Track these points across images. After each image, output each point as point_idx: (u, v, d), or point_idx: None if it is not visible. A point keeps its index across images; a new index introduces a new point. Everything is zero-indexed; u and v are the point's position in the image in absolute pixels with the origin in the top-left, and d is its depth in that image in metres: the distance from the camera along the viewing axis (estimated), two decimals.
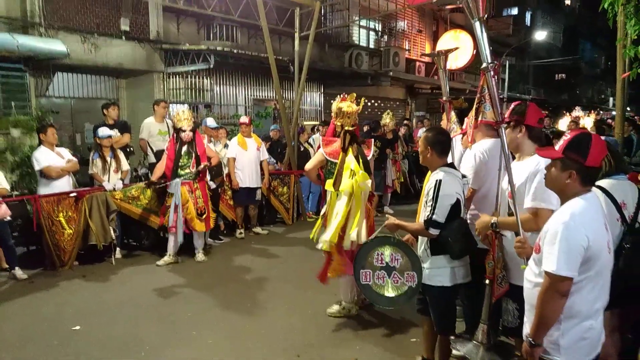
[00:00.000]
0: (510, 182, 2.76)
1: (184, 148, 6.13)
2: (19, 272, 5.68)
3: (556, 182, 2.20)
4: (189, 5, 9.99)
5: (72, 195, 6.06)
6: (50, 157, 6.04)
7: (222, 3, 10.58)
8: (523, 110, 2.91)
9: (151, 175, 7.33)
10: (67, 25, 8.99)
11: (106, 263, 6.24)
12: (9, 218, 5.69)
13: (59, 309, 4.79)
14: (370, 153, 4.54)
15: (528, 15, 29.90)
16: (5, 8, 8.34)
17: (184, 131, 6.07)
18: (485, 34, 2.78)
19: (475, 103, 3.27)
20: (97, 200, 6.14)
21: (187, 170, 6.13)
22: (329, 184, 4.36)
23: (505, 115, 2.90)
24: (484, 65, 2.81)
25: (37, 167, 5.99)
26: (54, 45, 8.32)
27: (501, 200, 3.05)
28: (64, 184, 6.13)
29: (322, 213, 4.57)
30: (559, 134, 5.70)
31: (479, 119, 3.39)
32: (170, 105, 9.86)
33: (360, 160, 4.33)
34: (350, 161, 4.29)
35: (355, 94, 4.53)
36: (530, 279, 2.27)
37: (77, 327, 4.35)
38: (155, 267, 6.16)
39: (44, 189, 6.02)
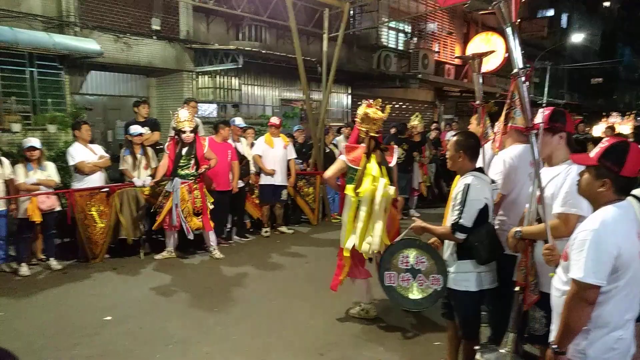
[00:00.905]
0: (540, 187, 2.71)
1: (185, 149, 6.16)
2: (53, 262, 5.90)
3: (589, 190, 2.16)
4: (219, 6, 10.12)
5: (103, 190, 6.23)
6: (83, 153, 6.22)
7: (252, 3, 10.69)
8: (565, 117, 2.89)
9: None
10: (101, 25, 9.23)
11: (135, 257, 6.38)
12: (58, 208, 5.92)
13: (91, 300, 4.93)
14: (394, 159, 4.47)
15: (564, 17, 29.16)
16: (42, 8, 8.61)
17: (184, 132, 6.09)
18: (517, 39, 2.75)
19: (505, 108, 3.22)
20: (128, 195, 6.28)
21: (187, 172, 6.15)
22: (349, 189, 4.28)
23: (543, 121, 2.85)
24: (515, 70, 2.78)
25: (71, 162, 6.17)
26: (89, 44, 8.55)
27: (530, 206, 3.00)
28: (97, 179, 6.30)
29: (342, 219, 4.46)
30: (595, 140, 5.55)
31: (509, 124, 3.34)
32: (199, 104, 10.01)
33: (383, 167, 4.29)
34: (372, 167, 4.21)
35: (381, 100, 4.48)
36: (558, 287, 2.23)
37: (108, 318, 4.47)
38: (183, 262, 6.27)
39: (77, 184, 6.20)
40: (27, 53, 7.91)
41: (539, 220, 2.79)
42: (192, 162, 6.17)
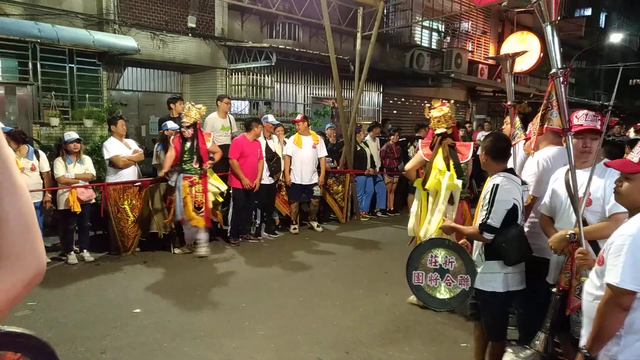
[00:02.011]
0: (575, 190, 2.68)
1: (187, 144, 6.17)
2: (87, 254, 6.06)
3: (631, 196, 2.10)
4: (254, 4, 10.20)
5: (136, 184, 6.36)
6: (118, 147, 6.36)
7: (286, 2, 10.73)
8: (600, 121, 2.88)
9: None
10: (139, 22, 9.43)
11: (166, 251, 6.50)
12: (94, 201, 6.11)
13: (122, 292, 5.04)
14: (469, 155, 4.59)
15: (602, 17, 28.30)
16: (83, 5, 8.86)
17: (182, 126, 6.14)
18: (557, 39, 2.69)
19: (541, 109, 3.16)
20: (160, 190, 6.40)
21: (190, 166, 6.16)
22: (417, 182, 4.64)
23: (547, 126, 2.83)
24: (553, 70, 2.73)
25: (106, 156, 6.32)
26: (126, 41, 8.75)
27: (567, 210, 2.94)
28: (130, 174, 6.44)
29: (412, 210, 4.82)
30: (631, 142, 5.37)
31: (545, 125, 3.28)
32: (232, 101, 10.12)
33: (451, 162, 4.43)
34: (439, 162, 4.45)
35: (439, 100, 4.71)
36: (591, 292, 2.20)
37: (138, 310, 4.56)
38: (212, 258, 6.34)
39: (111, 178, 6.35)
40: (67, 49, 8.15)
41: (584, 222, 2.76)
42: (195, 157, 6.17)
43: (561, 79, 2.73)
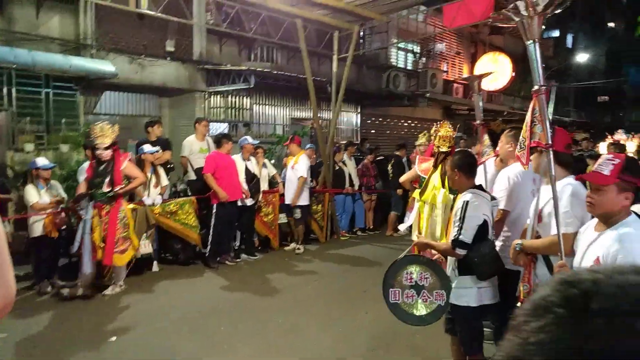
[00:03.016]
0: (556, 208, 2.69)
1: (101, 167, 5.55)
2: (58, 282, 5.87)
3: (603, 207, 2.20)
4: (232, 29, 10.33)
5: None
6: None
7: (263, 26, 10.89)
8: (552, 135, 2.87)
9: (189, 191, 7.58)
10: (117, 47, 9.45)
11: (143, 275, 6.42)
12: (63, 227, 6.00)
13: (96, 320, 4.93)
14: None
15: (569, 38, 29.38)
16: (60, 31, 8.85)
17: (99, 149, 5.47)
18: (539, 56, 2.74)
19: (527, 124, 3.17)
20: (138, 214, 6.35)
21: (101, 191, 5.52)
22: (415, 193, 4.94)
23: (534, 141, 2.87)
24: (536, 87, 2.77)
25: (80, 180, 6.25)
26: (104, 66, 8.75)
27: (533, 222, 3.03)
28: None
29: (409, 223, 5.14)
30: (595, 157, 5.55)
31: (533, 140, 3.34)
32: (211, 123, 10.16)
33: (446, 180, 4.56)
34: (435, 178, 4.63)
35: (448, 123, 4.98)
36: None
37: (114, 339, 4.47)
38: (191, 281, 6.29)
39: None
40: (43, 75, 8.11)
41: (539, 236, 2.84)
42: (107, 179, 5.52)
43: (543, 95, 2.78)
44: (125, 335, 4.54)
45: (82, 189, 5.56)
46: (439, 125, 4.99)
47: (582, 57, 24.98)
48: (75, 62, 8.30)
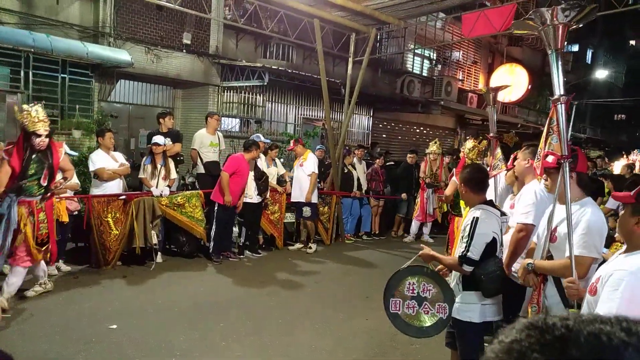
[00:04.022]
0: (569, 225, 2.64)
1: (34, 156, 4.66)
2: (62, 264, 6.01)
3: (624, 226, 2.17)
4: (249, 25, 10.35)
5: (121, 197, 6.34)
6: (104, 159, 6.35)
7: (281, 24, 10.89)
8: (575, 156, 2.82)
9: (197, 184, 7.60)
10: (134, 37, 9.51)
11: (147, 266, 6.44)
12: (75, 213, 6.04)
13: (99, 306, 4.97)
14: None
15: (589, 53, 29.10)
16: (80, 17, 8.92)
17: (39, 136, 4.57)
18: (560, 66, 2.70)
19: (544, 135, 3.08)
20: (144, 204, 6.38)
21: (32, 186, 4.66)
22: (462, 202, 5.34)
23: (553, 160, 2.81)
24: (556, 96, 2.72)
25: (91, 168, 6.31)
26: (120, 54, 8.81)
27: (542, 242, 2.97)
28: (115, 187, 6.42)
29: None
30: (614, 178, 5.46)
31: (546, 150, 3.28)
32: (222, 118, 10.18)
33: None
34: None
35: (481, 137, 5.15)
36: None
37: (114, 326, 4.51)
38: (193, 275, 6.31)
39: (96, 190, 6.33)
40: (60, 60, 8.18)
41: (550, 257, 2.78)
42: (45, 172, 4.70)
43: (563, 105, 2.71)
44: (125, 324, 4.55)
45: (3, 179, 4.53)
46: (471, 140, 5.49)
47: (600, 74, 24.71)
48: (92, 49, 8.37)
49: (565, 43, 2.72)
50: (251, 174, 7.23)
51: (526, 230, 3.42)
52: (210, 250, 6.99)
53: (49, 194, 4.87)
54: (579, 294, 2.38)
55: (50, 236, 4.87)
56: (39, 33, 7.98)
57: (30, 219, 4.68)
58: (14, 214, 4.54)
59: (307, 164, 7.90)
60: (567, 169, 2.66)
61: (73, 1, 8.85)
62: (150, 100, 11.05)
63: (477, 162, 5.17)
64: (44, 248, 4.79)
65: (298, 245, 8.11)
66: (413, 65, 16.32)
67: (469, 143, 5.97)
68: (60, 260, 6.00)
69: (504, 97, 14.68)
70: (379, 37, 13.61)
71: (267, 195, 7.62)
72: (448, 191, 5.96)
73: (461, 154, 6.59)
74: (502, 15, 8.62)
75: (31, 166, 4.64)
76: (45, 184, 4.73)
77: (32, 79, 7.97)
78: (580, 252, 2.60)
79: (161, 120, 7.48)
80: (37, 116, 4.58)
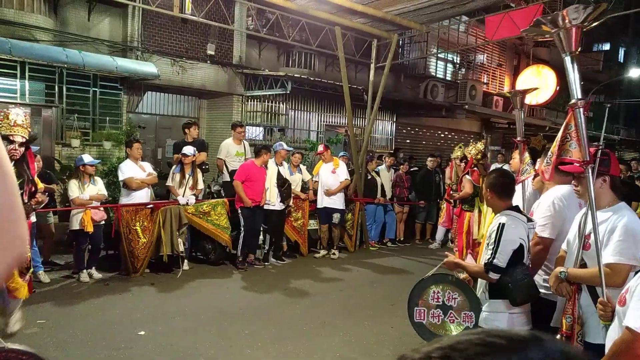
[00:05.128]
0: (595, 232, 2.55)
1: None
2: (94, 272, 6.22)
3: None
4: (271, 34, 10.49)
5: (149, 206, 6.50)
6: (133, 169, 6.54)
7: (302, 32, 11.00)
8: (608, 159, 2.72)
9: (223, 193, 7.73)
10: (160, 49, 9.75)
11: (174, 273, 6.58)
12: (103, 222, 6.25)
13: (128, 313, 5.12)
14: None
15: (621, 51, 28.30)
16: (109, 33, 9.24)
17: (12, 142, 3.90)
18: (576, 69, 2.64)
19: (558, 139, 3.03)
20: (171, 213, 6.53)
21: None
22: (477, 198, 5.95)
23: (576, 166, 2.73)
24: (573, 101, 2.64)
25: (120, 178, 6.51)
26: (147, 67, 9.05)
27: (575, 250, 2.80)
28: (143, 196, 6.60)
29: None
30: None
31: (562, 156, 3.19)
32: (247, 127, 10.32)
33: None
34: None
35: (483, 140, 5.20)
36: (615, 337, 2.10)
37: (142, 332, 4.63)
38: (219, 282, 6.41)
39: (124, 199, 6.52)
40: (92, 74, 8.48)
41: (583, 266, 2.67)
42: (25, 187, 4.00)
43: (582, 109, 2.63)
44: (152, 331, 4.67)
45: None
46: (477, 144, 6.06)
47: (634, 72, 23.97)
48: (121, 63, 8.62)
49: (587, 40, 2.66)
50: (273, 181, 7.32)
51: (543, 244, 3.27)
52: (238, 252, 7.10)
53: (29, 213, 4.25)
54: (607, 316, 2.26)
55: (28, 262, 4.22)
56: (72, 49, 8.27)
57: None
58: None
59: (340, 171, 8.05)
60: (590, 174, 2.57)
61: (103, 18, 9.15)
62: (176, 111, 11.29)
63: (482, 160, 5.19)
64: (27, 276, 4.08)
65: (323, 252, 8.15)
66: (436, 70, 16.20)
67: (470, 146, 6.73)
68: (92, 268, 6.20)
69: (530, 99, 14.39)
70: (400, 42, 13.59)
71: (290, 202, 7.69)
72: (468, 189, 6.46)
73: (468, 157, 6.95)
74: (528, 17, 8.49)
75: None
76: (27, 199, 4.00)
77: (65, 94, 8.29)
78: (618, 259, 2.49)
79: (186, 130, 7.64)
80: (15, 120, 3.98)
